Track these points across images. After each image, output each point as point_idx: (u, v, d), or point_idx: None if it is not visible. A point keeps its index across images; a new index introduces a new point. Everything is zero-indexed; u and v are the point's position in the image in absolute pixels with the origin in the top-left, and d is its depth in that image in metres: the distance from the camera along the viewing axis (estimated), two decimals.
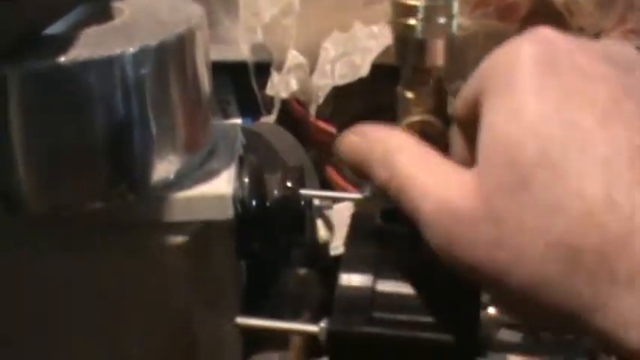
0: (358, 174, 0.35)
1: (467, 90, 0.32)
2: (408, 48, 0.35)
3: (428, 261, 0.33)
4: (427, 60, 0.34)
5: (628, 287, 0.25)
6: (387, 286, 0.33)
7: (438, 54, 0.34)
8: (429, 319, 0.33)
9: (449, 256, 0.29)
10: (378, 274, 0.34)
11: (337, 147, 0.37)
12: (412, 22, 0.34)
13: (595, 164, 0.26)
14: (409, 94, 0.35)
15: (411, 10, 0.34)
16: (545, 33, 0.30)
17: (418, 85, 0.35)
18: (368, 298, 0.33)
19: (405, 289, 0.33)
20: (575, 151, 0.27)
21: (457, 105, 0.33)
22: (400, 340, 0.33)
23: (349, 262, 0.34)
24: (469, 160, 0.32)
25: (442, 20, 0.34)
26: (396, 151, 0.32)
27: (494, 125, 0.29)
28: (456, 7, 0.34)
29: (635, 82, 0.29)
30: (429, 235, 0.30)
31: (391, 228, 0.35)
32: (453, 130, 0.35)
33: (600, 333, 0.26)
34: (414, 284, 0.33)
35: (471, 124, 0.31)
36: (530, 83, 0.29)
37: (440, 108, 0.34)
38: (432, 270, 0.33)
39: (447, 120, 0.35)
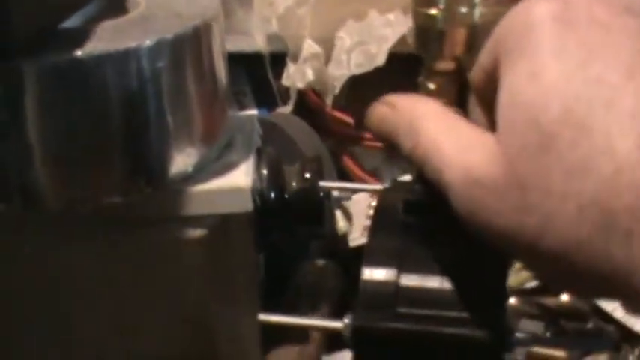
0: (387, 145, 0.34)
1: (483, 55, 0.31)
2: (429, 38, 0.34)
3: (452, 254, 0.33)
4: (449, 50, 0.34)
5: None
6: (411, 280, 0.33)
7: (459, 44, 0.34)
8: (454, 313, 0.32)
9: (475, 223, 0.29)
10: (402, 267, 0.33)
11: (367, 118, 0.36)
12: (433, 11, 0.33)
13: (623, 119, 0.25)
14: (431, 85, 0.35)
15: (432, 0, 0.33)
16: None
17: (440, 75, 0.34)
18: (392, 293, 0.33)
19: (429, 282, 0.33)
20: (601, 107, 0.26)
21: (474, 72, 0.32)
22: (426, 336, 0.32)
23: (372, 255, 0.34)
24: (490, 129, 0.31)
25: (464, 10, 0.33)
26: (422, 118, 0.32)
27: (514, 87, 0.28)
28: None
29: None
30: (454, 203, 0.29)
31: (414, 220, 0.35)
32: (471, 100, 0.34)
33: (638, 294, 0.25)
34: (439, 278, 0.33)
35: (489, 92, 0.30)
36: (550, 42, 0.28)
37: (462, 98, 0.33)
38: (456, 263, 0.33)
39: (468, 111, 0.35)
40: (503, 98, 0.28)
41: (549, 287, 0.50)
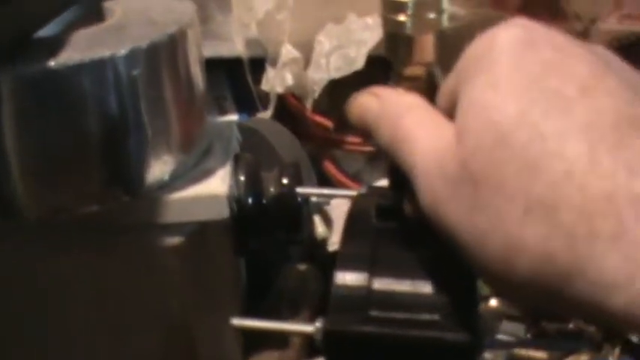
0: (366, 134, 0.35)
1: (446, 84, 0.32)
2: (398, 44, 0.34)
3: (424, 257, 0.33)
4: (418, 56, 0.34)
5: (613, 245, 0.24)
6: (383, 284, 0.33)
7: (428, 50, 0.34)
8: (427, 316, 0.33)
9: (434, 216, 0.29)
10: (374, 272, 0.33)
11: (349, 107, 0.36)
12: (402, 17, 0.34)
13: (576, 127, 0.26)
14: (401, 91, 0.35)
15: (401, 6, 0.33)
16: (523, 20, 0.30)
17: (409, 81, 0.35)
18: (364, 297, 0.33)
19: (401, 286, 0.33)
20: (556, 113, 0.26)
21: (439, 99, 0.33)
22: (398, 339, 0.32)
23: (345, 260, 0.34)
24: None
25: (432, 15, 0.33)
26: (404, 111, 0.33)
27: (472, 96, 0.29)
28: (446, 1, 0.34)
29: (615, 66, 0.29)
30: (419, 194, 0.30)
31: (387, 225, 0.35)
32: None
33: (580, 300, 0.25)
34: (411, 282, 0.33)
35: (452, 117, 0.31)
36: (508, 58, 0.28)
37: (432, 103, 0.34)
38: (428, 266, 0.33)
39: None
40: (461, 107, 0.29)
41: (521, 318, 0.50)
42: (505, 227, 0.26)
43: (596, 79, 0.27)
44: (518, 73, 0.28)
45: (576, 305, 0.26)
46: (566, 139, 0.26)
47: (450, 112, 0.31)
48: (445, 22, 0.34)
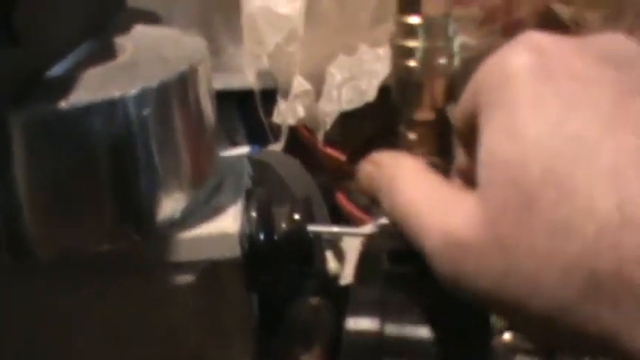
0: (375, 202, 0.34)
1: (462, 104, 0.31)
2: (408, 89, 0.34)
3: (437, 303, 0.33)
4: (428, 101, 0.34)
5: None
6: (395, 330, 0.33)
7: (439, 95, 0.34)
8: None
9: (457, 288, 0.28)
10: (386, 317, 0.33)
11: (356, 178, 0.36)
12: (412, 63, 0.33)
13: (603, 177, 0.25)
14: (412, 135, 0.35)
15: (410, 52, 0.33)
16: (536, 39, 0.29)
17: (420, 125, 0.34)
18: (376, 343, 0.32)
19: (414, 332, 0.32)
20: (581, 165, 0.25)
21: (455, 120, 0.32)
22: None
23: (356, 305, 0.34)
24: (473, 170, 0.30)
25: (442, 61, 0.33)
26: (400, 179, 0.32)
27: (493, 145, 0.28)
28: (457, 45, 0.33)
29: (637, 79, 0.27)
30: (436, 268, 0.29)
31: (399, 269, 0.35)
32: (456, 143, 0.34)
33: (628, 355, 0.24)
34: (424, 328, 0.32)
35: (470, 135, 0.30)
36: (527, 96, 0.27)
37: (443, 148, 0.33)
38: (441, 312, 0.33)
39: (450, 160, 0.35)
40: (483, 156, 0.28)
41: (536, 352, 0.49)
42: (544, 290, 0.25)
43: (618, 106, 0.26)
44: (538, 116, 0.27)
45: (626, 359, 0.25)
46: (594, 195, 0.25)
47: (467, 135, 0.30)
48: (456, 65, 0.33)
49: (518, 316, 0.27)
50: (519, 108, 0.27)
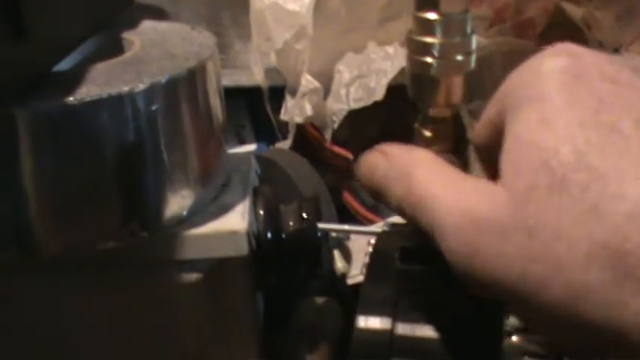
0: (375, 196, 0.34)
1: (488, 111, 0.31)
2: (424, 85, 0.34)
3: (448, 303, 0.32)
4: (444, 97, 0.33)
5: None
6: (406, 330, 0.32)
7: (455, 92, 0.33)
8: None
9: (471, 269, 0.27)
10: (397, 316, 0.32)
11: (356, 167, 0.35)
12: (428, 59, 0.33)
13: (633, 165, 0.25)
14: (427, 133, 0.35)
15: (427, 47, 0.33)
16: (568, 47, 0.29)
17: (436, 122, 0.34)
18: (386, 342, 0.32)
19: (425, 332, 0.32)
20: (613, 153, 0.25)
21: (477, 130, 0.32)
22: None
23: (367, 303, 0.33)
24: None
25: (460, 58, 0.33)
26: (415, 165, 0.31)
27: (522, 132, 0.27)
28: (474, 42, 0.33)
29: None
30: (448, 248, 0.28)
31: (410, 268, 0.34)
32: (472, 156, 0.33)
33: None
34: (434, 327, 0.32)
35: (493, 147, 0.30)
36: (560, 93, 0.27)
37: (459, 145, 0.33)
38: (452, 312, 0.32)
39: (466, 157, 0.34)
40: (510, 144, 0.28)
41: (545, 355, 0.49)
42: (567, 273, 0.25)
43: None
44: (570, 109, 0.27)
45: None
46: (625, 180, 0.25)
47: (490, 147, 0.30)
48: (473, 63, 0.33)
49: (536, 302, 0.26)
50: (552, 102, 0.27)
